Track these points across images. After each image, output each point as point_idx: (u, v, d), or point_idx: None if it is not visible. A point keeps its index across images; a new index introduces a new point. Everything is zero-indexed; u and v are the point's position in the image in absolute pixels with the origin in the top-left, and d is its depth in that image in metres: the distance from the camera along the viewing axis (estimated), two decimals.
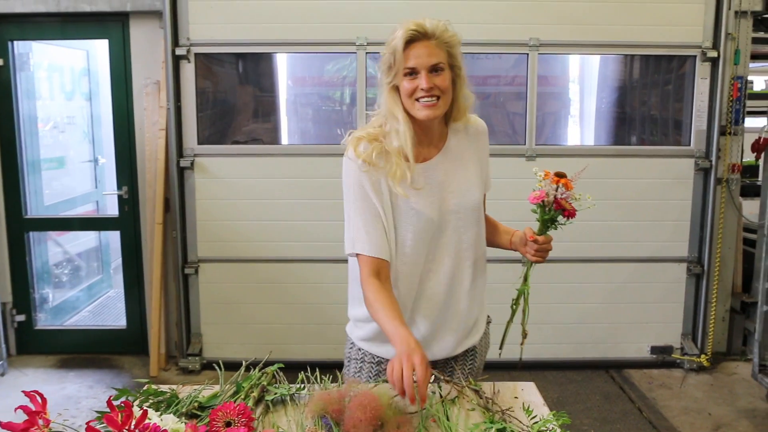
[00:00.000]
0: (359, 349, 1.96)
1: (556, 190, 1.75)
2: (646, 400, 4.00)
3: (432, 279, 1.85)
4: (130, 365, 4.50)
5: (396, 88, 1.74)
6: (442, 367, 1.94)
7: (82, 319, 5.24)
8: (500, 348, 2.01)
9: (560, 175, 1.77)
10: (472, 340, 2.00)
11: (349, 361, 2.00)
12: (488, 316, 2.10)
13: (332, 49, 4.20)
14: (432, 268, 1.85)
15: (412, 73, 1.70)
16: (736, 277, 4.62)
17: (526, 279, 1.92)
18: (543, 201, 1.77)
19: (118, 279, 5.54)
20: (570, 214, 1.77)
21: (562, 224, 1.82)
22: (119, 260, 4.88)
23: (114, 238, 5.60)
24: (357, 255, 1.78)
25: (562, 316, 4.42)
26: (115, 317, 5.18)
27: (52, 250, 5.28)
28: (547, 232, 1.84)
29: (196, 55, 4.16)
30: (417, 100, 1.71)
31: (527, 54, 4.17)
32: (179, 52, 4.11)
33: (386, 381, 1.66)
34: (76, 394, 4.05)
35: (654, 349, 4.45)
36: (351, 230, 1.79)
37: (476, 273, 1.92)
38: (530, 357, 4.42)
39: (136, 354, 4.63)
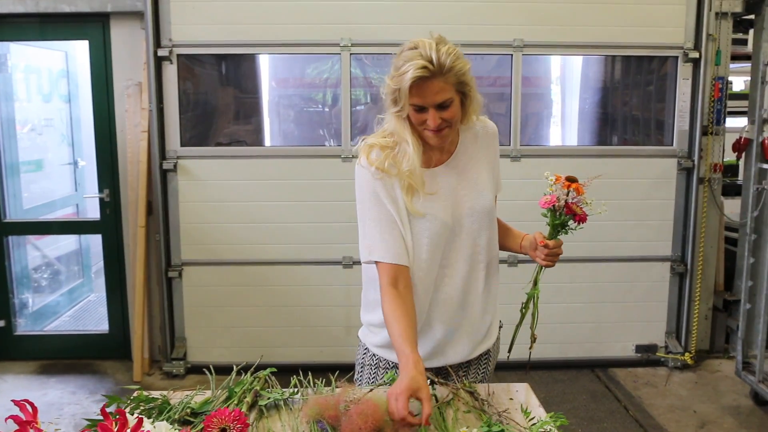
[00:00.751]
0: (373, 355, 1.95)
1: (567, 195, 1.75)
2: (632, 399, 4.02)
3: (447, 284, 1.85)
4: (113, 370, 4.44)
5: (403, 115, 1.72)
6: (457, 371, 1.94)
7: (62, 324, 5.16)
8: (509, 351, 2.02)
9: (571, 180, 1.77)
10: (486, 345, 2.00)
11: (362, 367, 1.98)
12: (500, 321, 2.10)
13: (316, 50, 4.18)
14: (447, 273, 1.84)
15: (420, 109, 1.68)
16: (718, 276, 4.67)
17: (536, 283, 1.93)
18: (554, 206, 1.76)
19: (99, 283, 5.48)
20: (581, 218, 1.76)
21: (573, 229, 1.81)
22: (100, 264, 4.81)
23: (94, 241, 5.53)
24: (376, 263, 1.77)
25: (548, 316, 4.42)
26: (97, 322, 5.11)
27: (31, 254, 5.20)
28: (558, 237, 1.83)
29: (179, 56, 4.11)
30: (426, 129, 1.71)
31: (511, 55, 4.18)
32: (161, 53, 4.06)
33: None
34: (59, 401, 3.99)
35: (639, 348, 4.48)
36: (366, 238, 1.78)
37: (490, 276, 1.92)
38: (516, 357, 4.42)
39: (119, 359, 4.56)
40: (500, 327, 2.08)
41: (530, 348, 1.93)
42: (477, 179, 1.83)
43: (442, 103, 1.66)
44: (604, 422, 3.74)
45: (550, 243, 1.82)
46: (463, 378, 1.93)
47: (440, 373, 1.91)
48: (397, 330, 1.66)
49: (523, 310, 1.93)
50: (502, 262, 4.32)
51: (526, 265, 4.34)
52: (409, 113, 1.69)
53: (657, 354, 4.48)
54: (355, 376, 2.00)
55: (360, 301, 2.01)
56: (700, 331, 4.54)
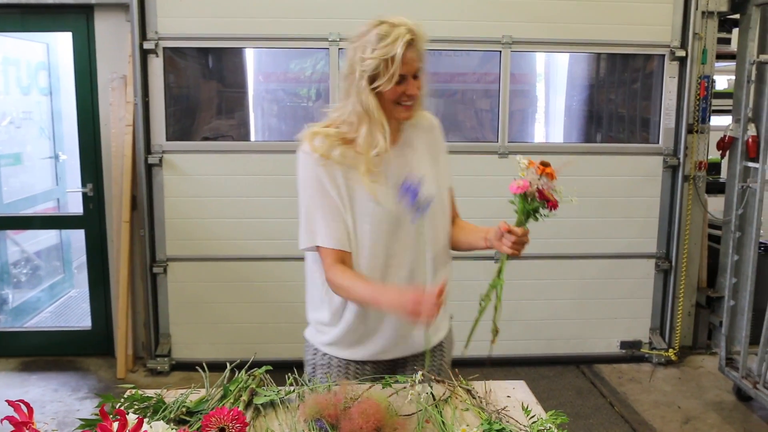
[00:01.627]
0: (324, 354, 1.94)
1: (540, 180, 1.68)
2: (617, 395, 4.05)
3: (393, 274, 1.84)
4: (96, 367, 4.38)
5: (379, 93, 1.72)
6: (412, 363, 1.95)
7: (43, 320, 5.09)
8: (465, 346, 1.92)
9: (545, 165, 1.71)
10: (437, 337, 2.00)
11: (314, 369, 1.96)
12: (451, 315, 2.09)
13: (304, 44, 4.14)
14: (392, 263, 1.84)
15: (401, 79, 1.71)
16: (702, 273, 4.72)
17: (500, 273, 1.83)
18: (526, 191, 1.69)
19: (81, 278, 5.41)
20: (553, 205, 1.70)
21: (544, 216, 1.75)
22: (81, 259, 4.74)
23: (75, 236, 5.46)
24: (318, 248, 1.79)
25: (533, 312, 4.45)
26: (79, 318, 5.04)
27: (10, 249, 5.12)
28: (527, 224, 1.76)
29: (165, 49, 4.06)
30: (399, 104, 1.74)
31: (500, 51, 4.18)
32: (147, 46, 4.00)
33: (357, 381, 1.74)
34: (41, 398, 3.93)
35: (623, 344, 4.52)
36: (309, 224, 1.80)
37: (437, 269, 1.90)
38: (502, 353, 4.45)
39: (102, 355, 4.50)
40: (450, 317, 2.08)
41: (492, 342, 1.84)
42: (419, 169, 1.84)
43: (416, 73, 1.72)
44: (591, 418, 3.76)
45: (518, 230, 1.74)
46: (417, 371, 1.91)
47: (396, 366, 1.95)
48: (359, 287, 1.73)
49: (482, 303, 1.83)
50: (487, 258, 4.34)
51: (512, 261, 4.35)
52: (386, 89, 1.69)
53: (641, 350, 4.52)
54: (307, 379, 1.91)
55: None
56: (683, 328, 4.59)
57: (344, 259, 1.78)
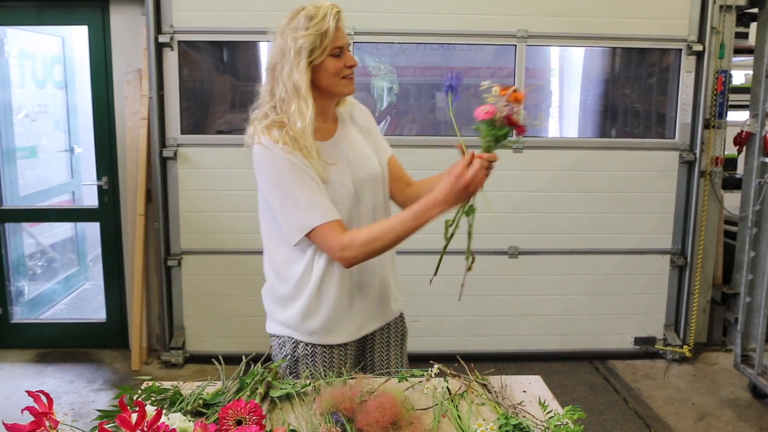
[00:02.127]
0: (307, 345, 1.92)
1: (506, 106, 1.66)
2: (631, 391, 4.03)
3: None
4: (111, 359, 4.41)
5: (313, 70, 1.78)
6: (381, 338, 2.04)
7: (58, 312, 5.12)
8: (434, 274, 1.84)
9: (513, 91, 1.68)
10: (398, 307, 2.09)
11: (296, 362, 1.93)
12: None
13: None
14: None
15: (339, 52, 1.79)
16: (717, 269, 4.68)
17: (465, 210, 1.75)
18: (494, 117, 1.67)
19: (95, 271, 5.45)
20: (521, 130, 1.68)
21: (513, 143, 1.72)
22: (96, 252, 4.76)
23: (90, 229, 5.49)
24: (314, 231, 1.77)
25: (547, 307, 4.44)
26: (94, 310, 5.07)
27: (26, 241, 5.15)
28: (494, 151, 1.71)
29: (180, 42, 4.07)
30: (344, 77, 1.82)
31: (515, 45, 4.15)
32: (162, 39, 4.01)
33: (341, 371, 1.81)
34: (56, 390, 3.96)
35: (637, 340, 4.50)
36: (295, 214, 1.78)
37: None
38: (516, 348, 4.44)
39: (117, 348, 4.54)
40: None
41: (468, 269, 1.81)
42: (363, 148, 1.93)
43: (347, 46, 1.83)
44: (604, 414, 3.75)
45: (486, 155, 1.70)
46: (387, 343, 2.05)
47: (366, 342, 2.01)
48: (392, 221, 1.78)
49: (452, 227, 1.75)
50: (502, 253, 4.32)
51: (527, 256, 4.35)
52: (322, 64, 1.77)
53: (655, 346, 4.50)
54: (288, 372, 1.94)
55: None
56: (698, 324, 4.56)
57: (344, 225, 1.81)
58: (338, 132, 1.92)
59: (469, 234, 1.79)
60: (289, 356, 1.94)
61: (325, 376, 1.79)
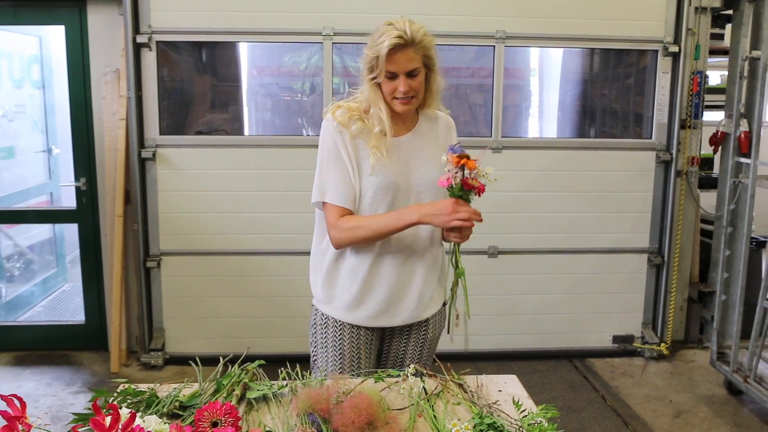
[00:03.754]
0: (323, 314, 2.11)
1: (462, 171, 1.84)
2: (610, 389, 4.07)
3: (393, 244, 2.02)
4: (90, 361, 4.38)
5: (377, 83, 1.94)
6: (400, 333, 2.14)
7: (36, 314, 5.07)
8: (448, 332, 2.15)
9: (463, 157, 1.85)
10: (426, 313, 2.14)
11: (315, 328, 2.14)
12: (445, 299, 2.22)
13: (298, 39, 4.14)
14: (389, 240, 2.01)
15: (393, 76, 1.91)
16: (694, 268, 4.74)
17: (458, 263, 2.01)
18: (452, 184, 1.86)
19: (74, 273, 5.40)
20: (480, 190, 1.88)
21: (473, 198, 1.90)
22: (75, 253, 4.72)
23: (69, 230, 5.44)
24: (324, 206, 1.99)
25: (526, 306, 4.47)
26: (72, 312, 5.03)
27: (3, 243, 5.10)
28: None
29: (158, 43, 4.05)
30: (395, 98, 1.94)
31: (494, 46, 4.18)
32: (140, 39, 3.99)
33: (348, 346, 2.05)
34: (34, 393, 3.92)
35: (616, 339, 4.54)
36: (320, 181, 1.99)
37: (433, 246, 2.10)
38: (495, 347, 4.47)
39: (96, 350, 4.50)
40: (445, 303, 2.21)
41: (455, 324, 2.08)
42: (428, 157, 2.04)
43: (411, 72, 1.91)
44: (583, 412, 3.78)
45: (475, 216, 1.92)
46: (406, 340, 2.15)
47: (384, 335, 2.14)
48: (378, 216, 1.97)
49: (453, 290, 2.05)
50: (481, 253, 4.35)
51: (506, 256, 4.37)
52: (382, 82, 1.92)
53: (633, 344, 4.54)
54: (310, 339, 2.17)
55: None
56: (675, 322, 4.61)
57: (345, 214, 1.98)
58: (409, 135, 2.04)
59: (465, 295, 2.00)
60: (312, 323, 2.15)
61: (333, 348, 2.07)
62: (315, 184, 2.00)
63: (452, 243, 1.99)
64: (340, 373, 2.02)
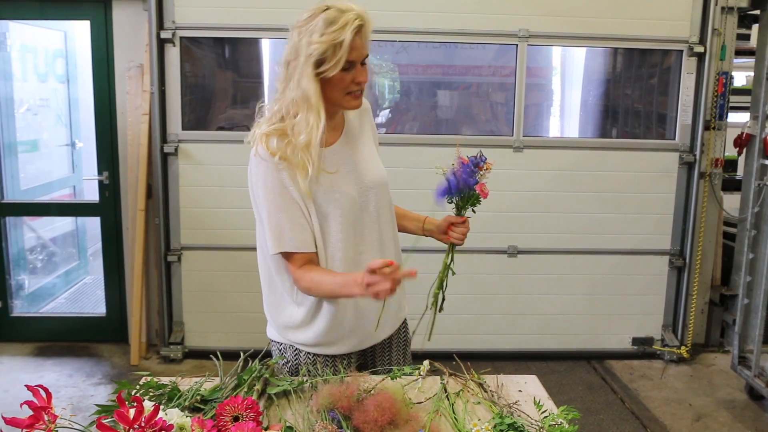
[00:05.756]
0: (308, 354, 1.92)
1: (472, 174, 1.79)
2: (628, 391, 4.04)
3: (364, 260, 1.82)
4: (110, 353, 4.43)
5: (321, 79, 1.68)
6: (382, 347, 2.02)
7: (58, 306, 5.13)
8: (428, 338, 1.94)
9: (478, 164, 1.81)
10: (401, 316, 2.08)
11: (297, 368, 1.92)
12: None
13: None
14: (363, 250, 1.86)
15: (349, 66, 1.68)
16: (715, 271, 4.69)
17: (451, 262, 1.90)
18: (453, 195, 1.82)
19: (95, 265, 5.46)
20: (483, 194, 1.82)
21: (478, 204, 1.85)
22: (96, 246, 4.76)
23: (91, 223, 5.50)
24: (285, 253, 1.77)
25: (545, 307, 4.45)
26: (93, 304, 5.09)
27: (27, 235, 5.17)
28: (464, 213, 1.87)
29: (182, 38, 4.07)
30: (348, 93, 1.73)
31: (516, 45, 4.16)
32: (164, 35, 4.01)
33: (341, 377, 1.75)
34: (56, 383, 3.97)
35: (635, 341, 4.51)
36: (275, 229, 1.75)
37: (397, 245, 1.98)
38: (513, 347, 4.46)
39: (116, 342, 4.55)
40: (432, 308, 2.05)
41: (440, 310, 1.91)
42: (368, 153, 1.89)
43: (364, 60, 1.70)
44: (601, 414, 3.76)
45: (459, 219, 1.88)
46: (389, 351, 2.04)
47: (366, 355, 1.99)
48: (328, 278, 1.74)
49: (437, 291, 1.89)
50: (501, 252, 4.32)
51: (526, 256, 4.35)
52: (332, 76, 1.66)
53: (653, 347, 4.51)
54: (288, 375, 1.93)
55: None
56: (696, 325, 4.56)
57: (312, 259, 1.78)
58: (342, 137, 1.84)
59: (443, 289, 1.90)
60: (290, 362, 1.94)
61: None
62: (269, 232, 1.75)
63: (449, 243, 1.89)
64: None
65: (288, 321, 1.91)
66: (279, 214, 1.74)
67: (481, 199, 1.82)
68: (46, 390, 1.31)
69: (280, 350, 1.97)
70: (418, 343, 2.12)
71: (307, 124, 1.67)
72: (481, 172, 1.78)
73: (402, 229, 2.03)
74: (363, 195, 1.83)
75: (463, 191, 1.80)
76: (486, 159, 1.79)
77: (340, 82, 1.69)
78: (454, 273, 1.89)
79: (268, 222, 1.76)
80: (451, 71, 4.50)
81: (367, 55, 1.71)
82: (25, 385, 1.32)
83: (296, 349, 1.93)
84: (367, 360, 2.01)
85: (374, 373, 1.95)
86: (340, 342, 1.89)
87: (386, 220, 1.91)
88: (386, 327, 1.97)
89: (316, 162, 1.69)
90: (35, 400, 1.29)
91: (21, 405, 1.27)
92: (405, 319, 2.10)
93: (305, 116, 1.67)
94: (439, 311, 1.90)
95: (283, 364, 1.94)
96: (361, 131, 1.90)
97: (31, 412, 1.26)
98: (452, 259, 1.89)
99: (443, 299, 1.90)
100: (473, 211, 1.85)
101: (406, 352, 2.10)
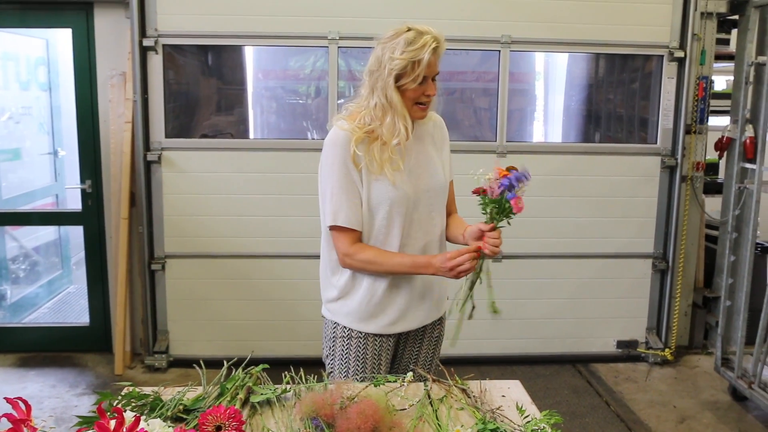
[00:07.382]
0: (344, 327, 2.09)
1: (508, 188, 1.85)
2: (613, 394, 4.06)
3: (408, 252, 2.04)
4: (94, 363, 4.39)
5: (402, 90, 1.93)
6: (415, 336, 2.18)
7: (41, 315, 5.09)
8: (453, 344, 2.10)
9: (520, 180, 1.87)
10: (440, 311, 2.22)
11: (334, 341, 2.12)
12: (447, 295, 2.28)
13: (304, 42, 4.14)
14: (407, 243, 2.04)
15: (423, 81, 1.93)
16: (698, 273, 4.73)
17: (481, 270, 1.99)
18: (487, 194, 1.88)
19: (79, 275, 5.41)
20: (518, 209, 1.88)
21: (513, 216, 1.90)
22: (80, 255, 4.73)
23: (74, 232, 5.46)
24: (336, 228, 1.97)
25: (530, 311, 4.47)
26: (77, 314, 5.05)
27: (9, 244, 5.12)
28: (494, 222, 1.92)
29: (164, 46, 4.06)
30: (418, 103, 1.97)
31: (499, 51, 4.18)
32: (147, 43, 4.00)
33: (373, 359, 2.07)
34: (39, 394, 3.94)
35: (620, 344, 4.53)
36: (333, 204, 1.96)
37: (442, 248, 2.14)
38: (498, 352, 4.47)
39: (100, 352, 4.51)
40: (447, 298, 2.25)
41: (469, 317, 2.02)
42: (431, 160, 2.07)
43: (435, 76, 1.96)
44: (586, 417, 3.78)
45: (490, 227, 1.94)
46: (420, 342, 2.20)
47: (399, 340, 2.16)
48: (393, 259, 1.98)
49: (465, 299, 2.00)
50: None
51: (510, 260, 4.37)
52: (410, 88, 1.91)
53: (638, 350, 4.54)
54: (326, 353, 2.15)
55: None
56: (679, 327, 4.60)
57: (359, 238, 2.00)
58: (410, 141, 2.01)
59: (490, 289, 2.03)
60: (329, 336, 2.13)
61: (356, 358, 2.07)
62: (327, 207, 1.98)
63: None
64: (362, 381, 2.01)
65: (329, 295, 2.12)
66: (339, 190, 1.95)
67: (514, 212, 1.88)
68: (25, 402, 1.30)
69: (325, 325, 2.16)
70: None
71: (396, 128, 1.93)
72: (521, 186, 1.85)
73: (450, 239, 2.18)
74: (417, 195, 2.01)
75: (502, 202, 1.86)
76: (528, 176, 1.85)
77: (413, 94, 1.94)
78: (481, 282, 1.99)
79: (329, 196, 1.97)
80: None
81: (438, 72, 1.96)
82: (5, 398, 1.31)
83: (335, 323, 2.12)
84: (399, 348, 2.18)
85: (401, 364, 2.18)
86: (372, 320, 2.07)
87: (436, 223, 2.09)
88: (421, 316, 2.14)
89: (397, 159, 1.94)
90: (14, 413, 1.28)
91: (0, 418, 1.26)
92: (443, 317, 2.23)
93: (393, 120, 1.93)
94: (468, 318, 2.00)
95: (327, 337, 2.15)
96: (429, 141, 2.09)
97: (10, 425, 1.25)
98: (481, 268, 1.97)
99: (473, 307, 2.01)
100: (508, 223, 1.91)
101: (436, 348, 2.25)
